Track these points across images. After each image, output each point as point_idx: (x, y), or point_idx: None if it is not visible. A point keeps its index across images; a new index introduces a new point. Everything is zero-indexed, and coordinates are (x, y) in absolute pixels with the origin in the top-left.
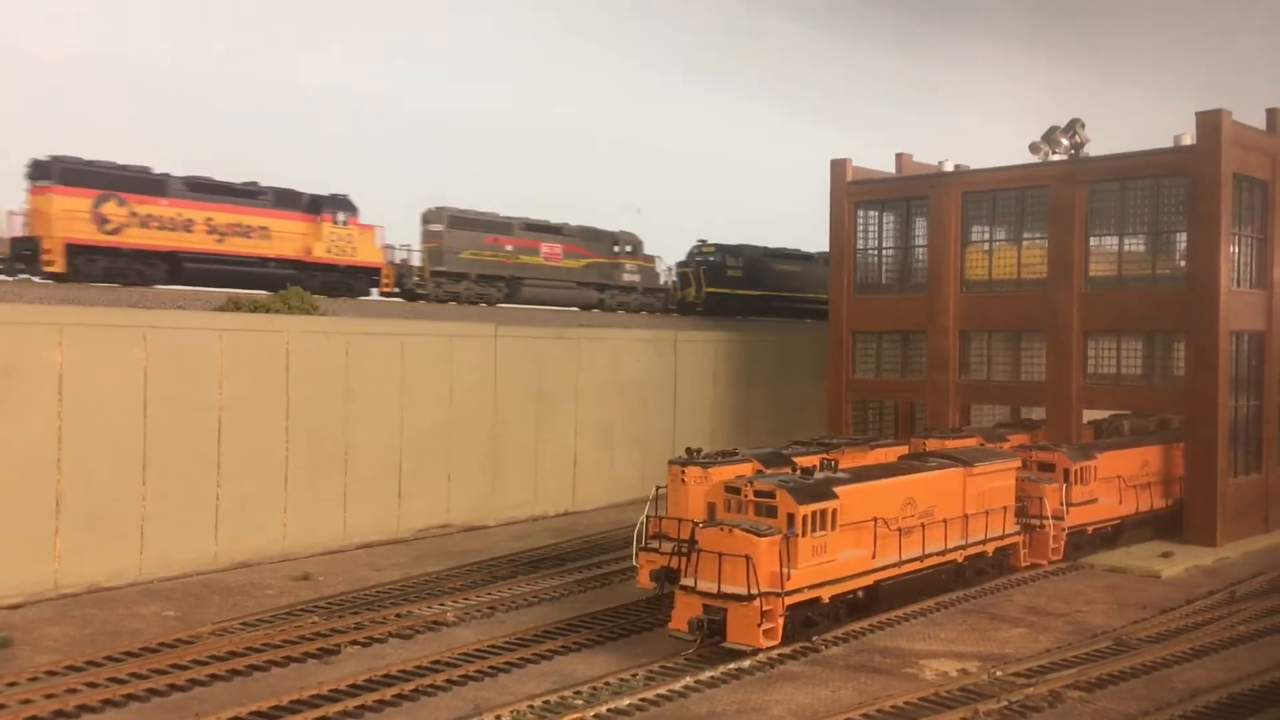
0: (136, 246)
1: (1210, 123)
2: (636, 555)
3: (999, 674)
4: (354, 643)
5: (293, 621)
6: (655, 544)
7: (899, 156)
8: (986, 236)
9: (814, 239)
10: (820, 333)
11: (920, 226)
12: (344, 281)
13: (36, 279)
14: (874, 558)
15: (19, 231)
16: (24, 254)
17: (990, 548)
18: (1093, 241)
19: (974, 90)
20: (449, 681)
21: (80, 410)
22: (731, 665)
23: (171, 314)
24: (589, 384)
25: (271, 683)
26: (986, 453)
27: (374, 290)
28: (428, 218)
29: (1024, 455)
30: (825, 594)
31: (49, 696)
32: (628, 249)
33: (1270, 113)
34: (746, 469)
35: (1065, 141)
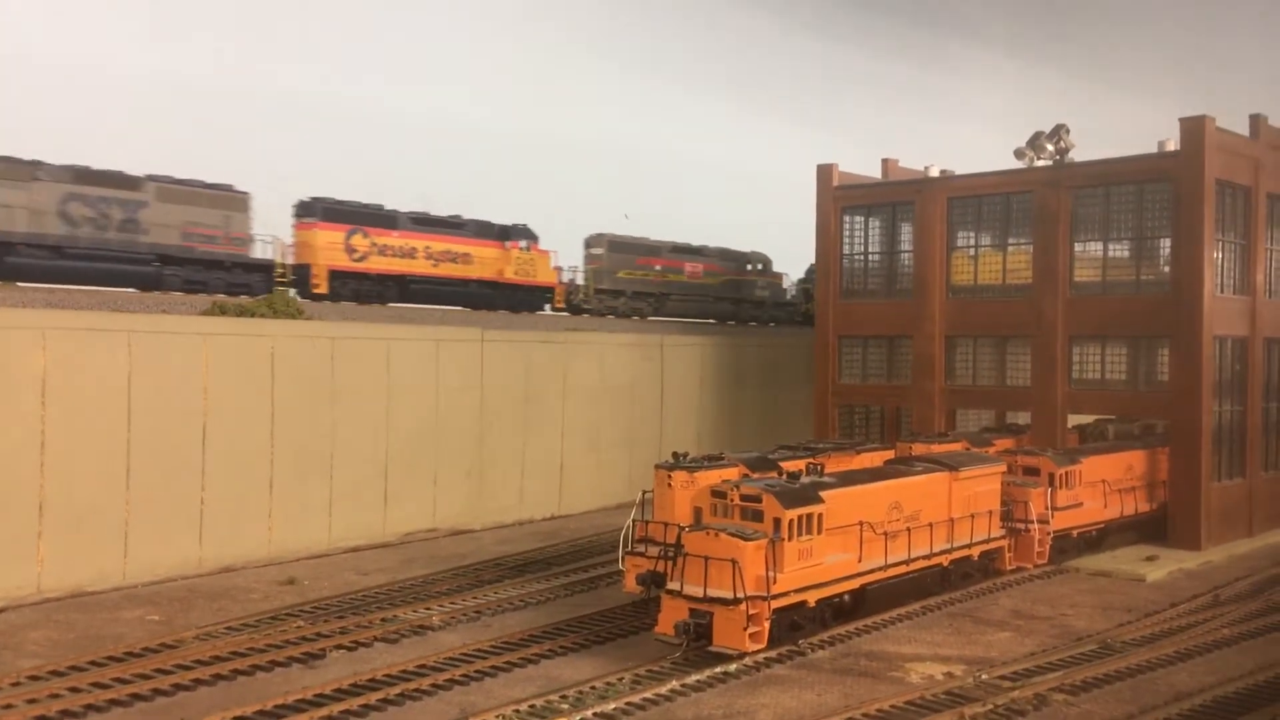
0: (377, 271)
1: (1194, 129)
2: (623, 559)
3: (985, 677)
4: (339, 647)
5: (278, 626)
6: (641, 548)
7: (885, 161)
8: (972, 242)
9: (800, 245)
10: (806, 337)
11: (906, 232)
12: (527, 299)
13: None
14: (860, 562)
15: (291, 259)
16: (294, 279)
17: (976, 551)
18: (1077, 247)
19: (960, 95)
20: (435, 686)
21: (64, 414)
22: (717, 669)
23: (155, 318)
24: (576, 388)
25: (256, 687)
26: (972, 457)
27: (547, 306)
28: (590, 242)
29: (1009, 460)
30: (811, 598)
31: (31, 701)
32: (758, 266)
33: (1253, 119)
34: (733, 473)
35: (1050, 147)
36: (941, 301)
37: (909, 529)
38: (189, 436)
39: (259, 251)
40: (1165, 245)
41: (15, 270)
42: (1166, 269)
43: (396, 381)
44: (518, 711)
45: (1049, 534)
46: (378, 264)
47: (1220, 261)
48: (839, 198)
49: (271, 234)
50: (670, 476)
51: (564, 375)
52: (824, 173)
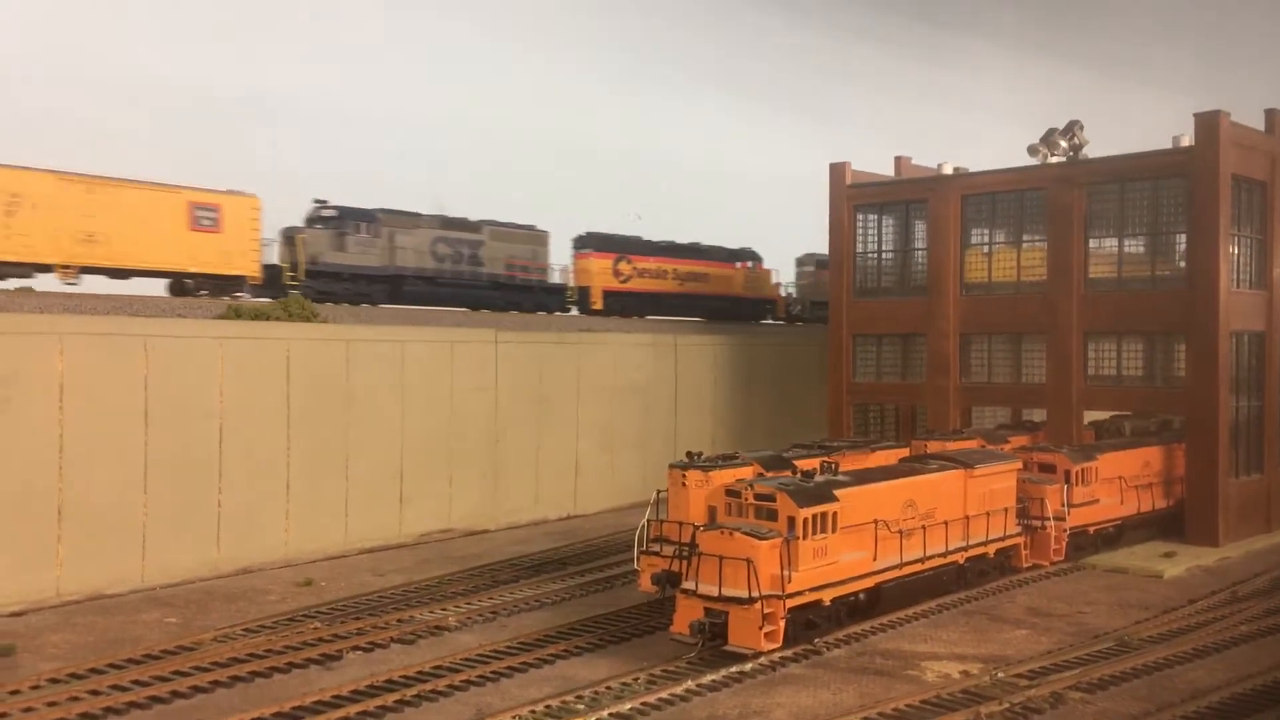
0: (637, 290)
1: (1208, 124)
2: (638, 559)
3: (1001, 675)
4: (356, 648)
5: (295, 627)
6: (656, 547)
7: (898, 159)
8: (986, 239)
9: (814, 242)
10: (820, 336)
11: (920, 229)
12: (753, 310)
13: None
14: (875, 560)
15: (574, 282)
16: (576, 299)
17: (992, 549)
18: (1092, 243)
19: (973, 92)
20: (451, 686)
21: (82, 418)
22: (733, 668)
23: (172, 322)
24: (590, 388)
25: (274, 689)
26: (987, 454)
27: (769, 317)
28: (801, 261)
29: (1025, 457)
30: (826, 596)
31: (51, 704)
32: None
33: (1269, 113)
34: (747, 472)
35: (1064, 143)
36: (956, 299)
37: (924, 527)
38: (205, 440)
39: (554, 277)
40: (1181, 241)
41: (409, 296)
42: (1182, 264)
43: (411, 383)
44: (534, 712)
45: (1065, 531)
46: (638, 284)
47: (1236, 256)
48: (852, 196)
49: (561, 263)
50: (685, 476)
51: (578, 375)
52: (837, 171)
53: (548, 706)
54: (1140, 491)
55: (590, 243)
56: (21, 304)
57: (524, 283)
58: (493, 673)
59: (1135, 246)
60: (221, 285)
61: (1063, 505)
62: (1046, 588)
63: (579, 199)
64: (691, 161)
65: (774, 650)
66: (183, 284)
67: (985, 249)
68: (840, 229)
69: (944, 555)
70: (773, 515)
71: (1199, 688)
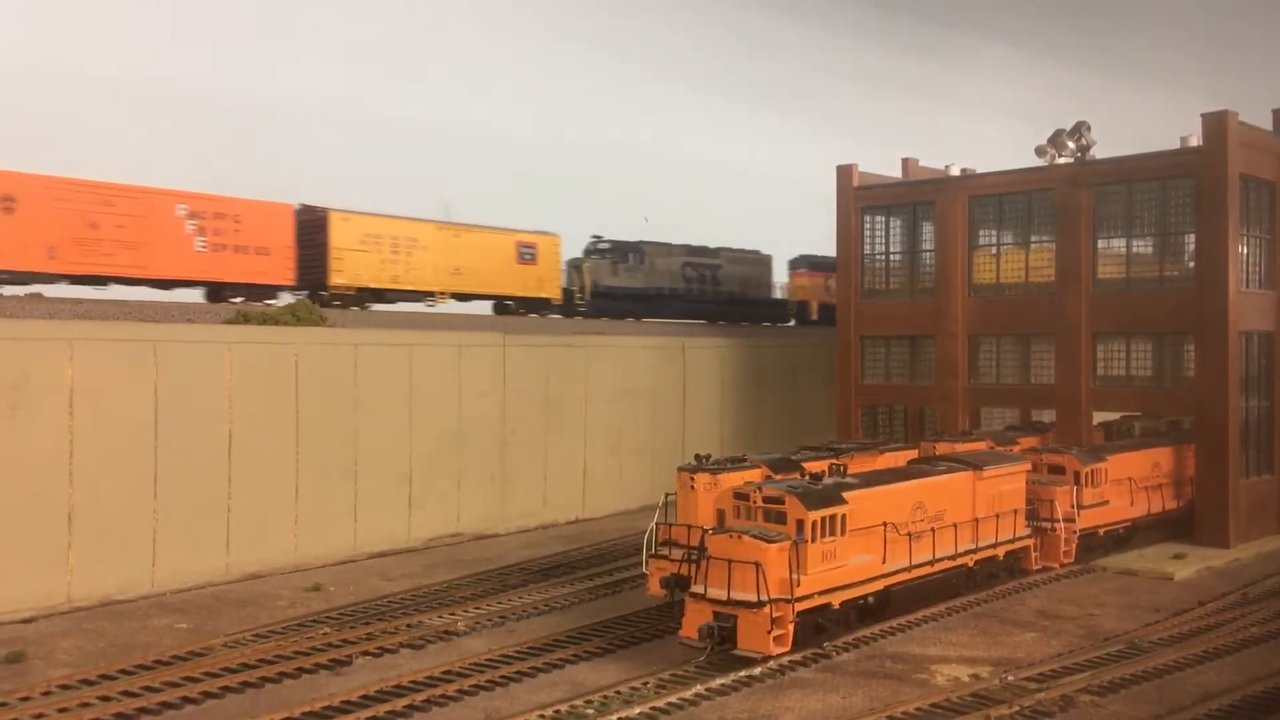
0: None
1: (1216, 124)
2: (646, 562)
3: (1011, 679)
4: (365, 653)
5: (304, 632)
6: (665, 551)
7: (905, 161)
8: (994, 240)
9: (821, 244)
10: (828, 338)
11: (927, 231)
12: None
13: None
14: (884, 563)
15: (791, 297)
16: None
17: (1001, 551)
18: (1100, 244)
19: (980, 93)
20: (460, 691)
21: (91, 424)
22: (742, 672)
23: (181, 327)
24: (598, 391)
25: (283, 694)
26: (996, 456)
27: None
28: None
29: (1034, 458)
30: (835, 600)
31: (62, 710)
32: None
33: (1276, 113)
34: (755, 475)
35: (1071, 144)
36: (964, 300)
37: (933, 529)
38: (215, 445)
39: (776, 293)
40: (1189, 241)
41: (664, 310)
42: (1190, 265)
43: (419, 387)
44: (543, 717)
45: (1075, 533)
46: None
47: (1245, 256)
48: (859, 198)
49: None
50: (693, 479)
51: (586, 379)
52: (844, 173)
53: (557, 711)
54: (1150, 493)
55: (803, 264)
56: (31, 310)
57: (754, 298)
58: (502, 677)
59: (1143, 247)
60: (534, 306)
61: (1072, 507)
62: (1056, 590)
63: (587, 201)
64: (699, 163)
65: (783, 654)
66: (505, 305)
67: (993, 250)
68: (848, 231)
69: (953, 558)
70: (781, 518)
71: (1210, 690)
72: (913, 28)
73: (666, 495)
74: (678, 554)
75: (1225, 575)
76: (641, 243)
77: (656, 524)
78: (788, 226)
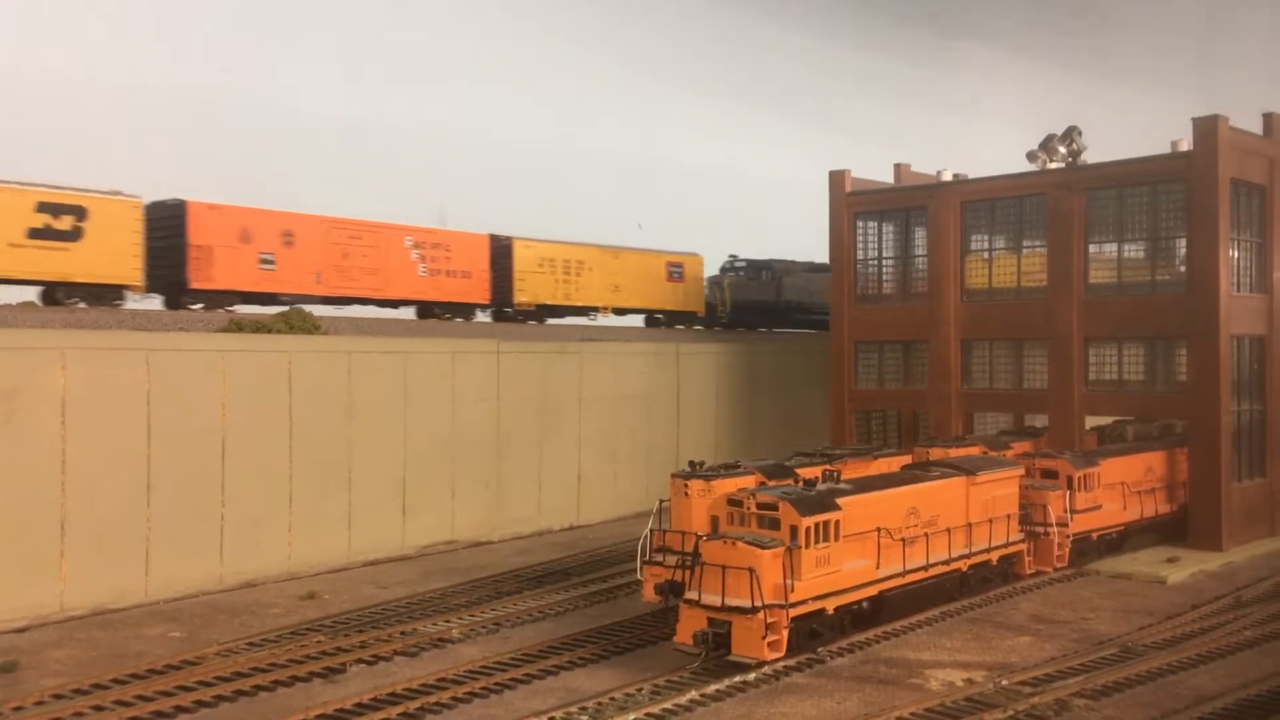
0: None
1: (1207, 128)
2: (641, 569)
3: (1005, 683)
4: (360, 661)
5: (298, 641)
6: (659, 557)
7: (897, 166)
8: (986, 245)
9: (814, 249)
10: (822, 343)
11: (920, 236)
12: None
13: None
14: (878, 568)
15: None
16: None
17: (995, 556)
18: (1092, 248)
19: (971, 98)
20: (455, 699)
21: (84, 433)
22: (736, 678)
23: (173, 336)
24: (592, 398)
25: (277, 703)
26: (989, 461)
27: None
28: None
29: (1027, 463)
30: (830, 605)
31: None
32: None
33: (1267, 117)
34: (749, 481)
35: (1063, 149)
36: (957, 305)
37: (927, 534)
38: (208, 453)
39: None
40: (1180, 245)
41: (791, 321)
42: (1182, 269)
43: (413, 394)
44: None
45: (1068, 537)
46: None
47: (1236, 261)
48: (852, 203)
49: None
50: (687, 485)
51: (580, 385)
52: (836, 178)
53: (551, 718)
54: (1143, 497)
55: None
56: (24, 319)
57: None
58: (496, 685)
59: (1135, 251)
60: (680, 319)
61: (1065, 511)
62: (1050, 594)
63: (581, 206)
64: (693, 167)
65: (777, 659)
66: (655, 318)
67: (985, 255)
68: (840, 236)
69: (947, 563)
70: (775, 524)
71: (1204, 694)
72: (905, 32)
73: (661, 502)
74: (672, 560)
75: (1219, 578)
76: (771, 260)
77: (651, 530)
78: (782, 231)
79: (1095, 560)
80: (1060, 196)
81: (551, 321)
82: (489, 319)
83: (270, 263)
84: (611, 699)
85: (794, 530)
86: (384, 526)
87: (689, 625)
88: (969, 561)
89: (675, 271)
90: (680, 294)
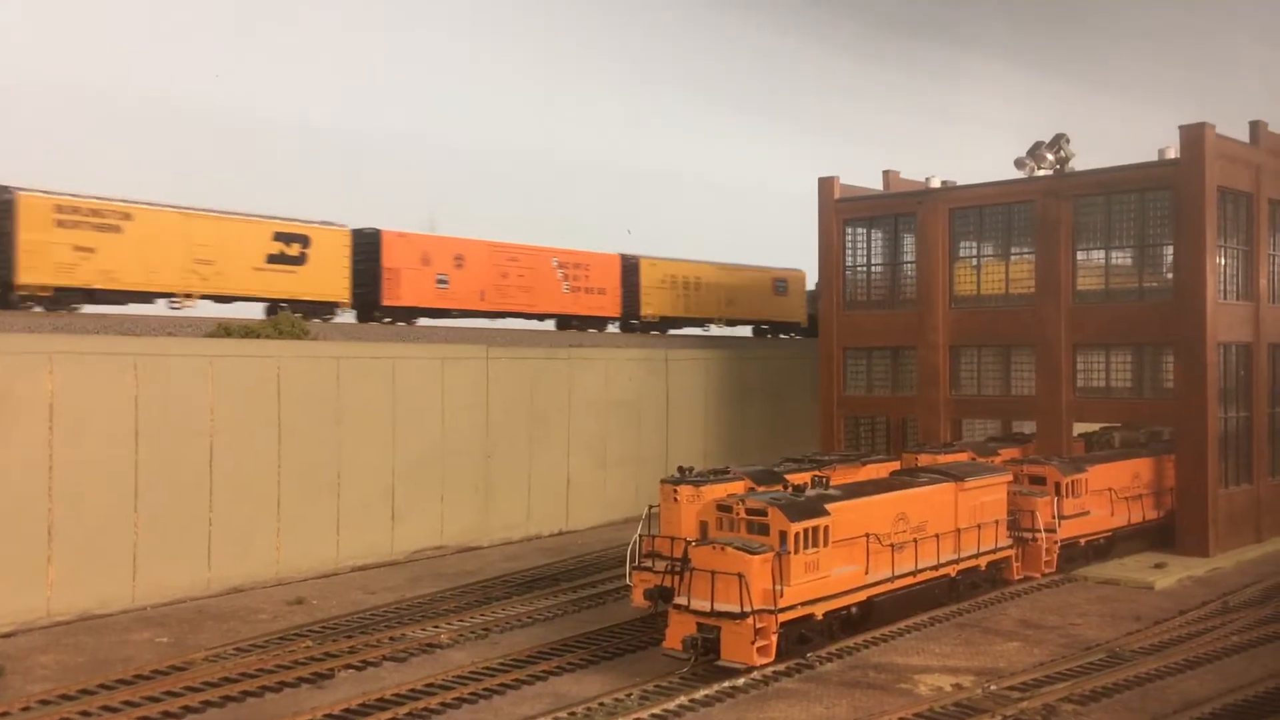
0: None
1: (1194, 136)
2: (630, 574)
3: (993, 688)
4: (348, 666)
5: (286, 646)
6: (649, 563)
7: (886, 173)
8: (974, 252)
9: (803, 256)
10: (811, 350)
11: (908, 243)
12: None
13: None
14: (867, 573)
15: None
16: None
17: (983, 561)
18: (1079, 256)
19: (960, 105)
20: (443, 705)
21: (72, 438)
22: (726, 683)
23: (162, 341)
24: (581, 404)
25: (265, 708)
26: (978, 467)
27: None
28: None
29: (1015, 469)
30: (819, 610)
31: None
32: None
33: (1253, 125)
34: (738, 487)
35: (1050, 156)
36: (945, 312)
37: (915, 540)
38: (196, 458)
39: None
40: (1168, 252)
41: None
42: (1169, 276)
43: (402, 400)
44: None
45: (1056, 543)
46: None
47: (1223, 268)
48: (841, 210)
49: None
50: (676, 491)
51: (569, 391)
52: (825, 185)
53: None
54: (1130, 503)
55: None
56: (11, 324)
57: None
58: (485, 690)
59: (1122, 259)
60: (784, 329)
61: (1053, 517)
62: (1038, 600)
63: (574, 212)
64: (682, 172)
65: (766, 665)
66: (761, 329)
67: (974, 262)
68: (830, 243)
69: (935, 568)
70: (764, 530)
71: (1191, 699)
72: (895, 40)
73: (650, 507)
74: (661, 566)
75: (1206, 584)
76: None
77: (640, 536)
78: (775, 238)
79: (1083, 566)
80: (1048, 204)
81: (672, 332)
82: (618, 329)
83: (445, 282)
84: (600, 704)
85: (783, 535)
86: (373, 531)
87: (678, 630)
88: (957, 567)
89: (780, 286)
90: (785, 307)
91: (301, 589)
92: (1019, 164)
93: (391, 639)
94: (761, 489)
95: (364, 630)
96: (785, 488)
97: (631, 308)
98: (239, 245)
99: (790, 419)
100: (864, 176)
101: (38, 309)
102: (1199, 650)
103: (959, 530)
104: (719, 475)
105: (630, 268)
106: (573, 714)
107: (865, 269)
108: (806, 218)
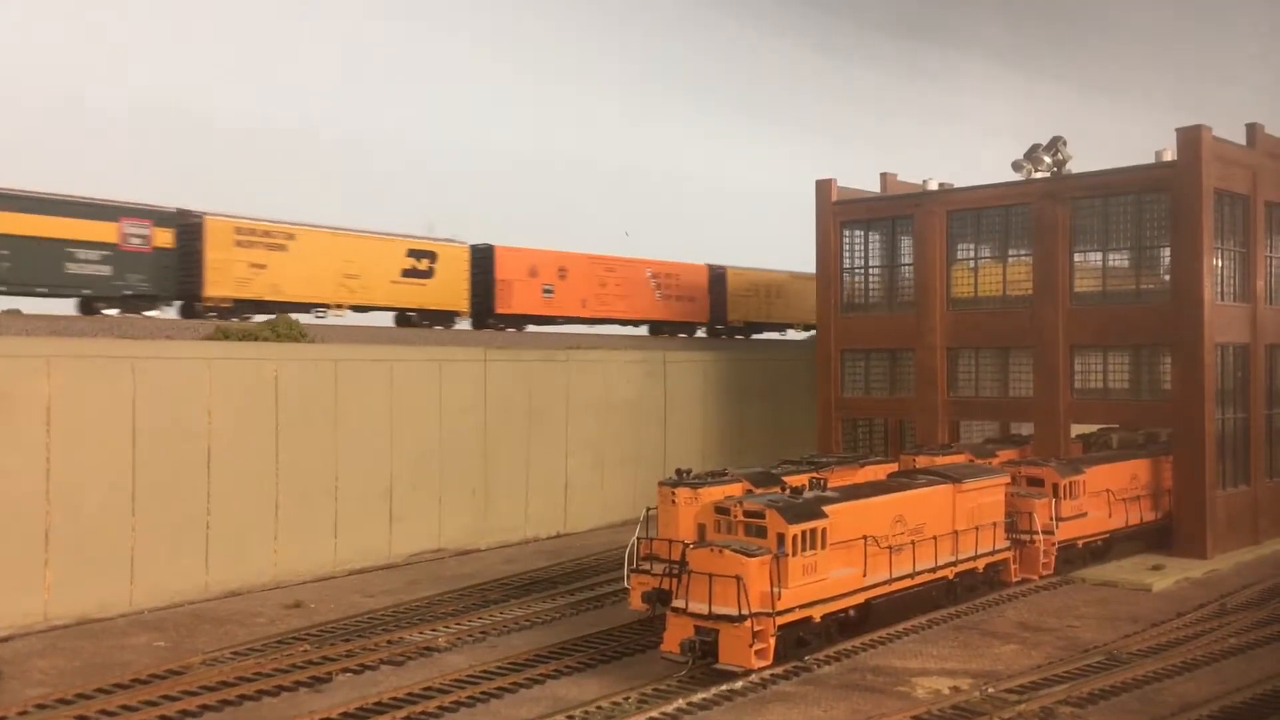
0: None
1: (1191, 138)
2: (628, 577)
3: (991, 691)
4: (346, 670)
5: (284, 650)
6: (646, 566)
7: (884, 176)
8: (972, 254)
9: (802, 259)
10: (809, 352)
11: (906, 245)
12: None
13: None
14: (865, 576)
15: None
16: None
17: (981, 564)
18: (1077, 258)
19: (957, 107)
20: (441, 708)
21: (69, 441)
22: (724, 686)
23: (159, 344)
24: (579, 406)
25: (263, 712)
26: (975, 469)
27: None
28: None
29: (1013, 471)
30: (816, 613)
31: None
32: None
33: (1250, 128)
34: (736, 489)
35: (1048, 159)
36: (943, 314)
37: (913, 542)
38: (194, 461)
39: None
40: (1165, 254)
41: None
42: (1166, 278)
43: (400, 402)
44: None
45: (1054, 545)
46: None
47: (1220, 269)
48: (838, 212)
49: None
50: (674, 493)
51: (567, 393)
52: (823, 188)
53: None
54: (1128, 504)
55: None
56: (8, 327)
57: None
58: (483, 693)
59: (1120, 260)
60: None
61: (1051, 519)
62: (1035, 602)
63: (572, 213)
64: (680, 174)
65: (764, 668)
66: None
67: (971, 264)
68: (827, 245)
69: (933, 570)
70: (762, 532)
71: (1189, 701)
72: (893, 43)
73: (648, 510)
74: (659, 568)
75: (1203, 586)
76: None
77: (638, 539)
78: (775, 239)
79: (1081, 568)
80: (1045, 206)
81: (755, 337)
82: (705, 334)
83: (550, 292)
84: (599, 707)
85: (781, 538)
86: (370, 535)
87: (676, 633)
88: (955, 569)
89: None
90: None
91: (299, 592)
92: (1016, 166)
93: (389, 642)
94: (759, 491)
95: (362, 634)
96: (783, 490)
97: (719, 314)
98: (379, 261)
99: (788, 421)
100: (862, 179)
101: (213, 315)
102: (1197, 652)
103: (957, 532)
104: (717, 477)
105: (717, 277)
106: (570, 717)
107: (863, 271)
108: (805, 220)
